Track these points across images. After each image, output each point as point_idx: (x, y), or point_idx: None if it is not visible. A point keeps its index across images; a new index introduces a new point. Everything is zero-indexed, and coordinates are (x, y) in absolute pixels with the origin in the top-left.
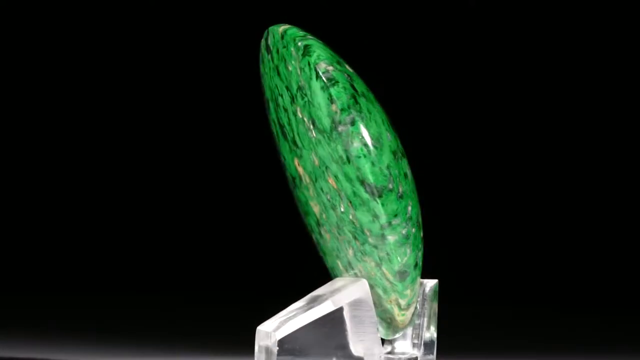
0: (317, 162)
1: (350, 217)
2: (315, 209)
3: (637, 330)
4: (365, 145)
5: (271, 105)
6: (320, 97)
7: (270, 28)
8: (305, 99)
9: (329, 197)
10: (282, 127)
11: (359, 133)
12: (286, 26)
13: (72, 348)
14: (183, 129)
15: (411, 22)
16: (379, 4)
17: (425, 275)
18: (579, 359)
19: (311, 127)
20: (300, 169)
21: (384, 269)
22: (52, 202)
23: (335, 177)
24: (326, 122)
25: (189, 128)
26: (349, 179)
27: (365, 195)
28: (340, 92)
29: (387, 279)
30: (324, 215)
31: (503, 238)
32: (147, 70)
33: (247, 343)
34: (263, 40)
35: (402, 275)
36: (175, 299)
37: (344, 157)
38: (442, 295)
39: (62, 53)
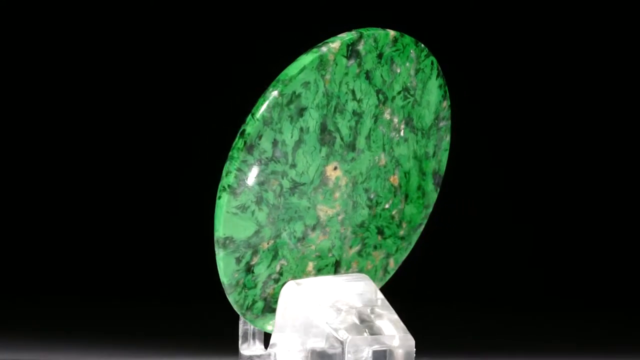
0: (383, 162)
1: (394, 212)
2: (328, 211)
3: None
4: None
5: (313, 113)
6: (434, 95)
7: (366, 32)
8: (410, 99)
9: (372, 196)
10: (328, 132)
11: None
12: (391, 30)
13: (63, 350)
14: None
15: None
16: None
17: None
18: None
19: (402, 127)
20: (332, 173)
21: (392, 259)
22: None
23: (406, 173)
24: (429, 120)
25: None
26: (422, 174)
27: (430, 187)
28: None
29: (384, 270)
30: (339, 217)
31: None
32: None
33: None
34: (339, 45)
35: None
36: (156, 301)
37: (431, 152)
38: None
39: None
